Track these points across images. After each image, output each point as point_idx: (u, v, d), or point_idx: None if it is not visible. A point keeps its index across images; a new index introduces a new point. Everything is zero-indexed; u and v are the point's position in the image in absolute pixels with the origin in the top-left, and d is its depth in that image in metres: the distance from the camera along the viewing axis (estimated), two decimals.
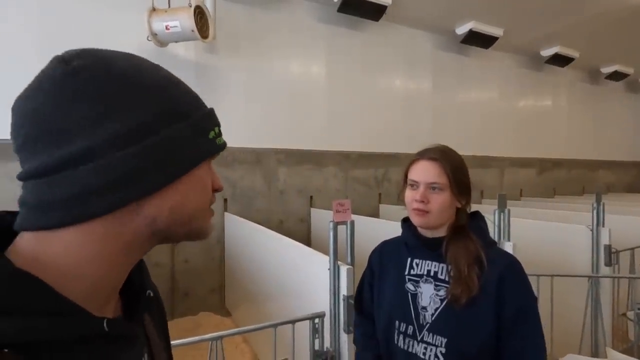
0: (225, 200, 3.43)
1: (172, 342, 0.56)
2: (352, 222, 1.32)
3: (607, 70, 6.07)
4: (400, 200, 0.95)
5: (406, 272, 0.91)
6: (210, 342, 1.18)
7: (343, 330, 1.27)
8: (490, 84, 5.25)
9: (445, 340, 0.81)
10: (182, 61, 3.24)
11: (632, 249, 2.49)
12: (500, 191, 5.41)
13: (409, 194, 0.89)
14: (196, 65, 3.30)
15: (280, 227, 3.62)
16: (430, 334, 0.83)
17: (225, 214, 3.38)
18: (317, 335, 1.29)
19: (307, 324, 1.30)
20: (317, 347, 1.31)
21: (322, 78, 3.94)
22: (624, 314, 2.35)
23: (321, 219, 3.64)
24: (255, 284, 2.55)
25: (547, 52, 5.28)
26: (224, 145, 0.45)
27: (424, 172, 0.85)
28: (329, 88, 3.96)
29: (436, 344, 0.82)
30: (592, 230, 2.22)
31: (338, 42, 4.00)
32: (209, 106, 0.45)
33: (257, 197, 3.58)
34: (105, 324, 0.34)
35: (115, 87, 0.36)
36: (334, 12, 3.80)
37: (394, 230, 1.01)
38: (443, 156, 0.86)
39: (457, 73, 4.89)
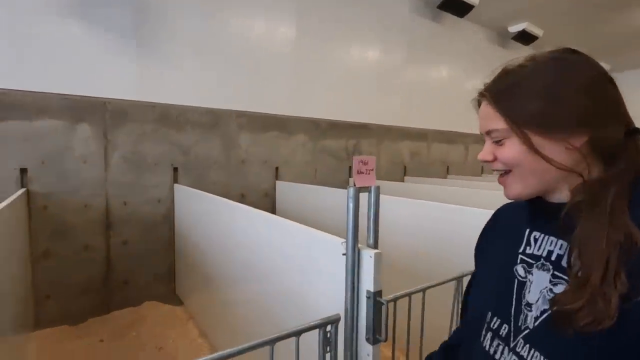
0: (176, 169, 2.85)
1: None
2: (378, 188, 0.94)
3: None
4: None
5: (520, 249, 0.57)
6: None
7: (366, 339, 0.90)
8: (460, 57, 5.07)
9: None
10: None
11: None
12: (464, 166, 5.38)
13: None
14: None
15: (242, 202, 3.14)
16: (526, 346, 0.51)
17: (175, 185, 2.82)
18: (328, 349, 0.91)
19: (315, 334, 0.91)
20: None
21: (292, 36, 3.42)
22: None
23: (288, 193, 3.23)
24: (215, 267, 2.10)
25: (515, 28, 5.25)
26: None
27: (480, 118, 0.57)
28: (298, 47, 3.46)
29: None
30: None
31: None
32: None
33: (213, 167, 3.05)
34: None
35: None
36: None
37: None
38: (495, 85, 0.55)
39: (430, 42, 4.62)
